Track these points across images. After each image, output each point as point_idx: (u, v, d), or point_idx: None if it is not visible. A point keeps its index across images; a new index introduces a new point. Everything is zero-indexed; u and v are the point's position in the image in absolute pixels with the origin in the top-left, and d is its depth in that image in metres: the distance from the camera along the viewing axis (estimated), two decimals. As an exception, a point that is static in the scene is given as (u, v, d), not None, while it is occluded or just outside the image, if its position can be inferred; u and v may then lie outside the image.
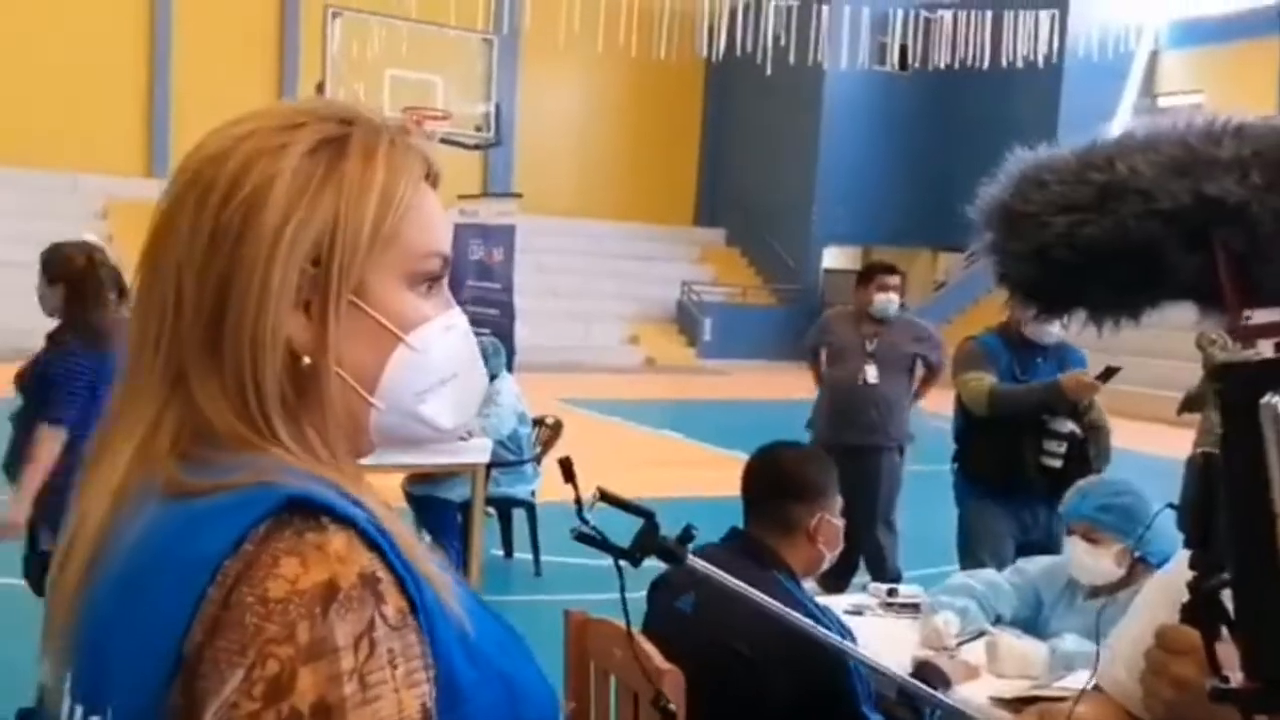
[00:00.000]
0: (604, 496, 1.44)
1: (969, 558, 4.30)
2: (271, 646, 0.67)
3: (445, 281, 0.86)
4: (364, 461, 0.85)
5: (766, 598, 1.55)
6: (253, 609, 0.68)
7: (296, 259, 0.77)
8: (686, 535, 1.52)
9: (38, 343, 3.70)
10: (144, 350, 0.80)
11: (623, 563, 1.46)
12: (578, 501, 1.41)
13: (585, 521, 1.41)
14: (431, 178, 0.85)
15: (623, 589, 1.41)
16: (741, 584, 1.53)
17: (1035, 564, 3.09)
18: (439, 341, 0.84)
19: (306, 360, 0.78)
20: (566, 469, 1.41)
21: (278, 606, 0.67)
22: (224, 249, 0.76)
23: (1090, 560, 2.81)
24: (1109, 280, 1.01)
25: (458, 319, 0.86)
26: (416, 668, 0.70)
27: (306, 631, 0.67)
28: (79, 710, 0.73)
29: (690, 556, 1.51)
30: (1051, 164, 1.04)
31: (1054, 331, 4.23)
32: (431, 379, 0.83)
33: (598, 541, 1.43)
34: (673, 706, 1.69)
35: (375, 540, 0.71)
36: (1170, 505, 2.63)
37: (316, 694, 0.66)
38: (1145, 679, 1.00)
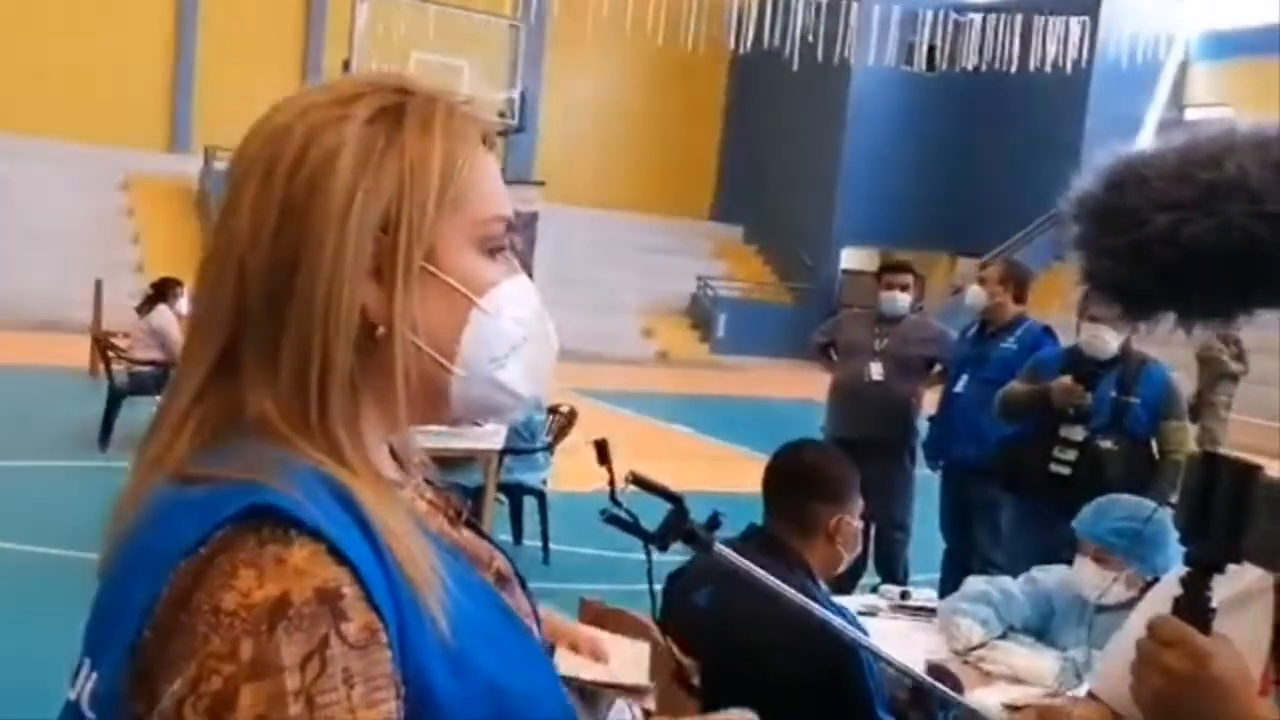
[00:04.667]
0: (636, 480, 1.43)
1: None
2: (214, 661, 0.66)
3: (509, 248, 0.85)
4: None
5: (793, 591, 1.53)
6: (205, 617, 0.67)
7: (367, 227, 0.76)
8: (714, 522, 1.51)
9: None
10: (200, 338, 0.79)
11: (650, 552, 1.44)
12: (611, 484, 1.40)
13: (618, 504, 1.39)
14: (488, 143, 0.85)
15: (650, 573, 1.40)
16: (768, 576, 1.52)
17: (1049, 573, 3.06)
18: (509, 306, 0.83)
19: (381, 329, 0.77)
20: (602, 450, 1.40)
21: (226, 620, 0.66)
22: (291, 223, 0.76)
23: (1099, 582, 2.76)
24: (1207, 281, 0.98)
25: (525, 283, 0.85)
26: (379, 686, 0.68)
27: (250, 649, 0.65)
28: (87, 661, 0.74)
29: (717, 545, 1.49)
30: (1150, 160, 1.01)
31: (1111, 346, 4.13)
32: (505, 344, 0.83)
33: (628, 525, 1.42)
34: (695, 681, 1.68)
35: (345, 553, 0.69)
36: (1168, 503, 2.59)
37: (256, 713, 0.65)
38: (1135, 668, 1.00)
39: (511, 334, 0.83)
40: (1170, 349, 4.45)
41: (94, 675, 0.72)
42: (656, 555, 1.49)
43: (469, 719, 0.73)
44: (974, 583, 3.07)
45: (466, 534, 0.90)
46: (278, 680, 0.65)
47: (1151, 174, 0.99)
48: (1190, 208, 0.95)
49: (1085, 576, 2.81)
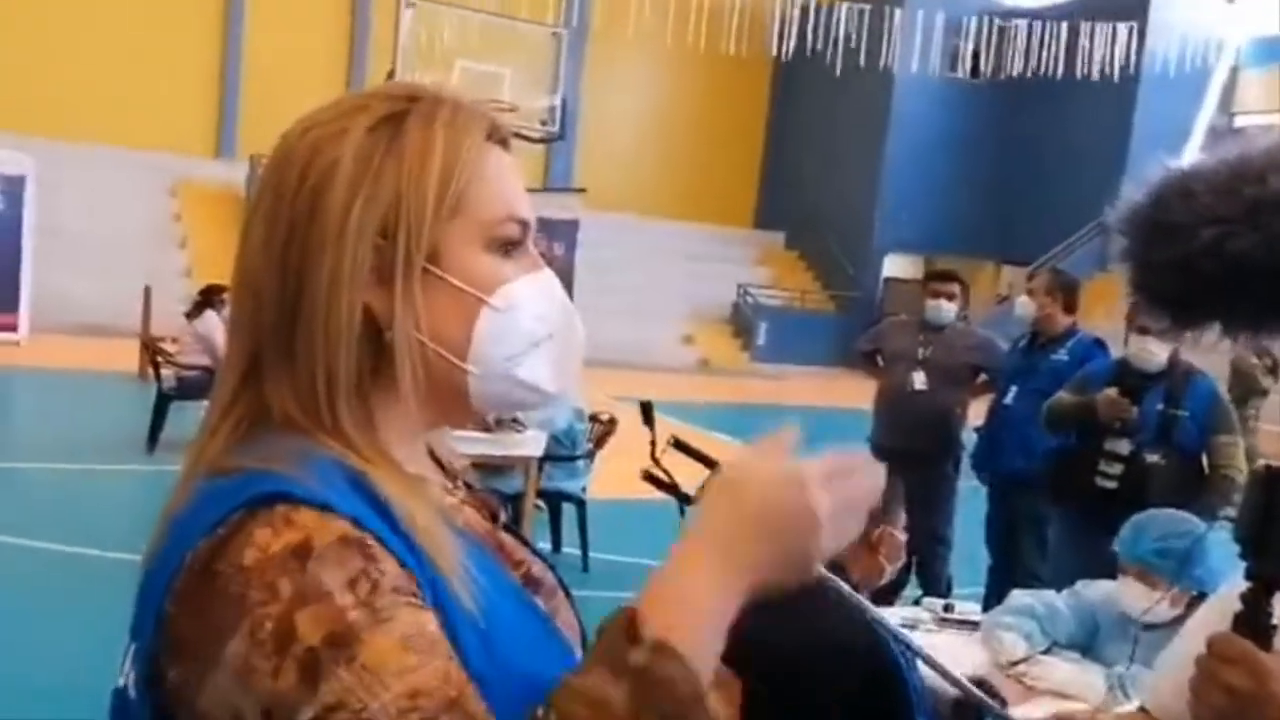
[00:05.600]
0: (678, 444, 1.45)
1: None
2: (259, 609, 0.68)
3: (530, 245, 0.86)
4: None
5: (836, 579, 1.51)
6: (233, 579, 0.69)
7: (366, 235, 0.79)
8: None
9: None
10: (233, 345, 0.83)
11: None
12: (652, 444, 1.42)
13: (657, 463, 1.41)
14: (496, 139, 0.85)
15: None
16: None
17: (1094, 588, 3.02)
18: (526, 303, 0.83)
19: (388, 334, 0.79)
20: (646, 412, 1.42)
21: (255, 571, 0.69)
22: (297, 237, 0.79)
23: (1143, 603, 2.73)
24: (1253, 295, 1.00)
25: (547, 280, 0.86)
26: (428, 618, 0.70)
27: (289, 585, 0.68)
28: (132, 647, 0.77)
29: None
30: (1199, 174, 1.03)
31: (1159, 358, 4.08)
32: (522, 342, 0.83)
33: (664, 484, 1.44)
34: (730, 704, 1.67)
35: (365, 527, 0.72)
36: (1228, 518, 2.55)
37: (322, 629, 0.67)
38: (1195, 684, 0.99)
39: (531, 330, 0.83)
40: (1207, 360, 4.41)
41: (137, 659, 0.75)
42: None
43: (503, 698, 0.73)
44: (1018, 596, 3.03)
45: (504, 537, 0.91)
46: (328, 602, 0.67)
47: (1198, 188, 1.01)
48: (1235, 222, 0.97)
49: (1129, 596, 2.77)
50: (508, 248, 0.84)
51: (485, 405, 0.85)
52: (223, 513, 0.72)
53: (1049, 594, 3.04)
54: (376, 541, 0.71)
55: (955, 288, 5.36)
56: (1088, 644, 2.92)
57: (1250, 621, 0.96)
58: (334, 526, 0.70)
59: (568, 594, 0.93)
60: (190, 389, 7.93)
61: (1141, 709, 1.35)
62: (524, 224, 0.85)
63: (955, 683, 1.69)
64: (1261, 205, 0.96)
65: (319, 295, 0.78)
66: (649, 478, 1.46)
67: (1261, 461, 1.01)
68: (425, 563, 0.73)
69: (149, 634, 0.73)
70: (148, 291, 12.58)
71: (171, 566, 0.72)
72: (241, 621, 0.68)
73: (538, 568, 0.91)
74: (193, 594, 0.70)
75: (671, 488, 1.47)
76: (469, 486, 0.94)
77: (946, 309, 5.29)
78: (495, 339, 0.82)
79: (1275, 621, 0.96)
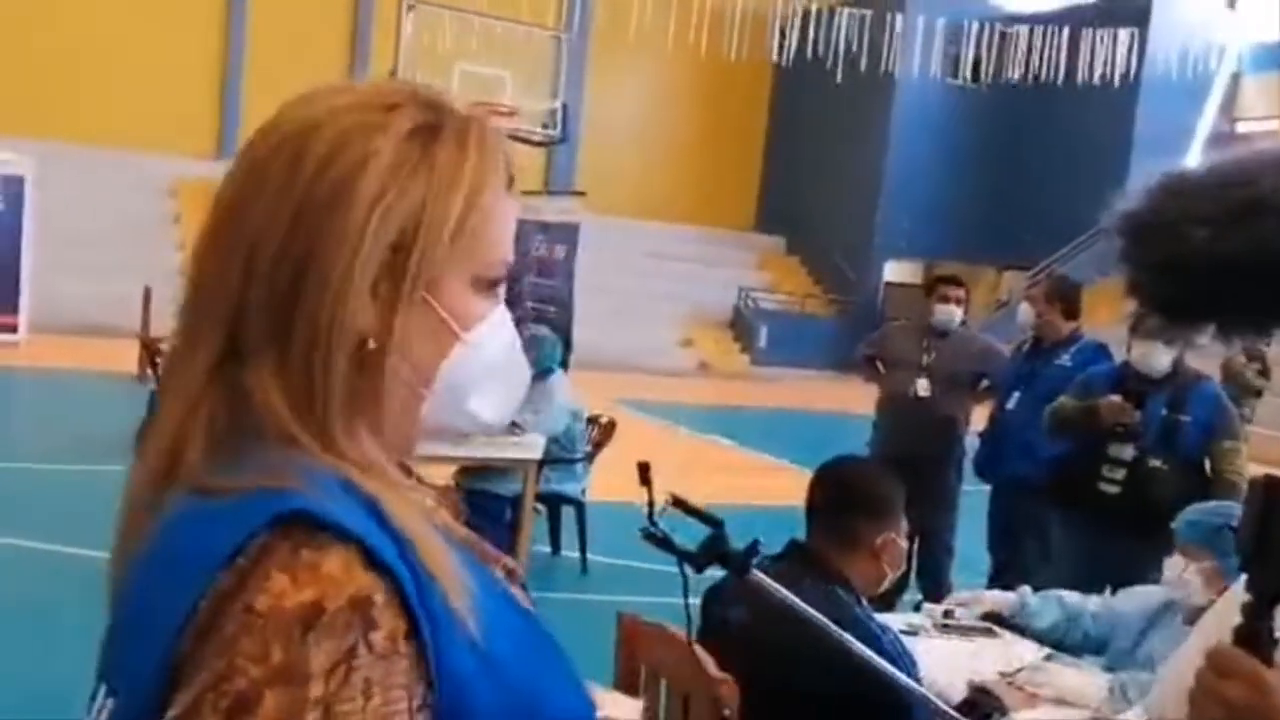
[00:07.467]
0: (676, 502, 1.45)
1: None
2: (242, 661, 0.65)
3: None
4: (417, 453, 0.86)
5: (824, 619, 1.51)
6: (236, 617, 0.66)
7: (381, 243, 0.75)
8: (752, 549, 1.52)
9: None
10: (201, 322, 0.77)
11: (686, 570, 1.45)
12: (650, 505, 1.41)
13: (655, 524, 1.41)
14: (510, 180, 0.84)
15: (685, 592, 1.41)
16: (801, 603, 1.50)
17: (1129, 595, 3.07)
18: (489, 339, 0.83)
19: (372, 344, 0.76)
20: (643, 472, 1.41)
21: (259, 621, 0.66)
22: (308, 222, 0.74)
23: (1180, 575, 2.78)
24: (1242, 295, 1.00)
25: (503, 316, 0.86)
26: (397, 698, 0.68)
27: (280, 653, 0.65)
28: (103, 688, 0.73)
29: (754, 571, 1.49)
30: (1192, 176, 1.04)
31: (1163, 362, 4.07)
32: (479, 374, 0.83)
33: (665, 543, 1.43)
34: (727, 712, 1.67)
35: (378, 558, 0.69)
36: (1229, 528, 2.58)
37: (280, 715, 0.65)
38: (1194, 698, 0.97)
39: (487, 365, 0.83)
40: (1200, 363, 4.42)
41: (109, 701, 0.71)
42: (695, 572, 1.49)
43: (498, 713, 0.73)
44: (1054, 590, 3.12)
45: (475, 535, 0.89)
46: (302, 689, 0.65)
47: (1190, 190, 1.02)
48: (1225, 223, 0.98)
49: (1173, 572, 2.83)
50: (490, 287, 0.83)
51: (430, 431, 0.84)
52: (239, 539, 0.68)
53: (1076, 596, 3.10)
54: (384, 588, 0.68)
55: (963, 291, 5.37)
56: (1111, 645, 2.95)
57: (1251, 634, 0.94)
58: (352, 581, 0.67)
59: (521, 583, 0.91)
60: (189, 390, 7.90)
61: None
62: (509, 267, 0.86)
63: (938, 709, 1.68)
64: (1251, 207, 0.96)
65: (326, 295, 0.73)
66: (648, 537, 1.46)
67: (1262, 471, 1.00)
68: (428, 585, 0.71)
69: (145, 680, 0.68)
70: (147, 292, 12.57)
71: (185, 606, 0.67)
72: (221, 661, 0.66)
73: (505, 558, 0.90)
74: (203, 634, 0.67)
75: (672, 547, 1.47)
76: (420, 480, 0.92)
77: (956, 313, 5.28)
78: (458, 370, 0.81)
79: (1277, 635, 0.94)
